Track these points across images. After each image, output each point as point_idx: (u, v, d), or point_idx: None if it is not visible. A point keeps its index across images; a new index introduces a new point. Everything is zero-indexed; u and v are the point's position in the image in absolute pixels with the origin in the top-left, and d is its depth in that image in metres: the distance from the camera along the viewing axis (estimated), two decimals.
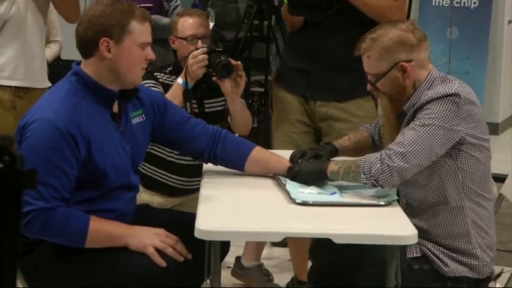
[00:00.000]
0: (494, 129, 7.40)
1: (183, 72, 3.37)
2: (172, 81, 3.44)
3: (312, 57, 3.47)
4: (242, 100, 3.48)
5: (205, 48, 3.38)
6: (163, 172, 3.56)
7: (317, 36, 3.44)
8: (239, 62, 3.34)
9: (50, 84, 3.56)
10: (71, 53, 3.13)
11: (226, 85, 3.32)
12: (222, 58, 3.29)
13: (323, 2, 3.36)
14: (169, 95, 3.30)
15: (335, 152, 2.97)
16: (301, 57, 3.51)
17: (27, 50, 3.37)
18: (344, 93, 3.45)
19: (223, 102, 3.54)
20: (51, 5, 3.46)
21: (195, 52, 3.36)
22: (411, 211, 2.77)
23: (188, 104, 3.44)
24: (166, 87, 3.40)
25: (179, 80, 3.36)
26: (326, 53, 3.43)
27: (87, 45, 2.61)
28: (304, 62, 3.50)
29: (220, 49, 3.39)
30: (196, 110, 3.49)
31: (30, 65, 3.39)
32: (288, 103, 3.57)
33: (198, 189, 2.84)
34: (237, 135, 3.28)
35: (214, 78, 3.33)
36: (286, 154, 2.94)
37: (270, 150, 3.00)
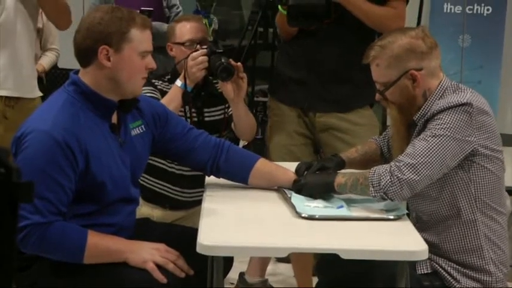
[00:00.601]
0: (508, 140, 7.28)
1: (182, 74, 3.31)
2: (170, 89, 3.38)
3: (309, 67, 3.44)
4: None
5: (205, 50, 3.32)
6: (164, 183, 3.51)
7: (314, 45, 3.41)
8: (239, 63, 3.28)
9: (40, 94, 3.53)
10: (69, 61, 3.08)
11: (228, 89, 3.27)
12: (223, 60, 3.24)
13: (323, 14, 3.30)
14: (167, 98, 3.27)
15: (342, 164, 2.91)
16: (298, 66, 3.47)
17: (16, 59, 3.34)
18: (343, 104, 3.43)
19: (223, 111, 3.49)
20: None
21: (194, 54, 3.31)
22: (421, 225, 2.73)
23: (187, 109, 3.38)
24: (164, 95, 3.36)
25: (178, 83, 3.31)
26: (323, 62, 3.40)
27: (85, 54, 2.57)
28: (301, 71, 3.46)
29: (221, 50, 3.32)
30: (196, 119, 3.43)
31: (19, 74, 3.35)
32: (285, 115, 3.53)
33: (200, 202, 2.81)
34: (241, 146, 3.22)
35: (217, 85, 3.27)
36: (290, 166, 2.88)
37: (275, 163, 2.94)
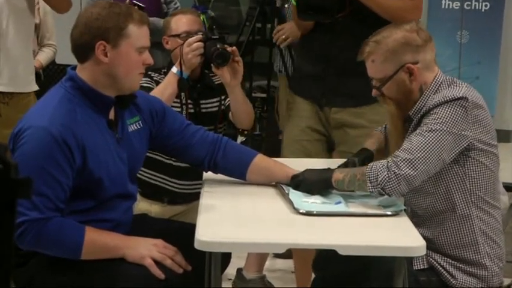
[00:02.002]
0: (506, 136, 7.30)
1: (178, 61, 3.30)
2: None
3: (326, 61, 3.40)
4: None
5: (200, 36, 3.31)
6: (162, 176, 3.51)
7: (330, 39, 3.37)
8: (234, 48, 3.27)
9: (37, 88, 3.52)
10: (66, 57, 3.07)
11: (224, 74, 3.25)
12: (218, 46, 3.23)
13: (333, 7, 3.28)
14: (162, 85, 3.27)
15: (372, 156, 2.91)
16: (314, 61, 3.44)
17: (10, 54, 3.32)
18: (360, 98, 3.36)
19: (219, 103, 3.48)
20: (45, 8, 3.42)
21: (190, 40, 3.30)
22: (416, 220, 2.72)
23: (183, 96, 3.37)
24: None
25: (174, 69, 3.31)
26: (339, 56, 3.36)
27: (83, 49, 2.56)
28: (318, 66, 3.43)
29: (216, 36, 3.31)
30: (192, 111, 3.43)
31: (14, 69, 3.34)
32: (300, 109, 3.51)
33: (197, 195, 2.80)
34: (239, 142, 3.21)
35: (213, 69, 3.25)
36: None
37: (273, 158, 2.93)
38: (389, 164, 2.55)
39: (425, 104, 2.67)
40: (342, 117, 3.41)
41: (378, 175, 2.55)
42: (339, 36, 3.34)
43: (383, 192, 2.56)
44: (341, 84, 3.38)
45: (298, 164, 2.85)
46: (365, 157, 2.88)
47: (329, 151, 3.49)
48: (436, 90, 2.68)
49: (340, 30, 3.33)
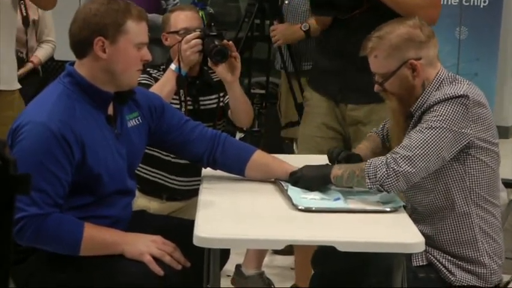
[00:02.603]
0: (504, 133, 7.30)
1: (176, 58, 3.30)
2: None
3: (343, 57, 3.38)
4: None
5: (198, 33, 3.31)
6: (160, 172, 3.50)
7: (345, 35, 3.36)
8: (231, 42, 3.26)
9: (19, 86, 3.51)
10: (65, 53, 3.06)
11: (222, 70, 3.24)
12: (216, 43, 3.22)
13: (346, 2, 3.26)
14: (161, 81, 3.27)
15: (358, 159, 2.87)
16: (332, 57, 3.44)
17: None
18: (374, 95, 3.34)
19: (218, 100, 3.48)
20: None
21: (188, 37, 3.30)
22: (416, 216, 2.72)
23: (182, 93, 3.37)
24: None
25: (173, 66, 3.30)
26: (354, 53, 3.34)
27: (81, 45, 2.56)
28: (334, 62, 3.42)
29: (215, 33, 3.31)
30: (191, 107, 3.42)
31: None
32: (316, 106, 3.51)
33: (196, 191, 2.79)
34: (237, 138, 3.21)
35: (210, 64, 3.25)
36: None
37: (272, 155, 2.92)
38: (388, 161, 2.55)
39: (426, 100, 2.67)
40: (357, 114, 3.41)
41: (377, 171, 2.54)
42: (355, 32, 3.31)
43: (382, 189, 2.55)
44: (356, 80, 3.37)
45: (298, 161, 2.84)
46: (347, 155, 2.85)
47: (346, 148, 3.47)
48: (438, 87, 2.68)
49: (357, 26, 3.30)
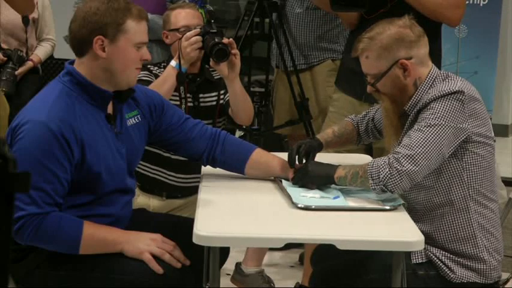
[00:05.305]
0: (504, 131, 7.29)
1: (176, 54, 3.30)
2: None
3: None
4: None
5: (199, 30, 3.31)
6: (160, 169, 3.50)
7: None
8: (231, 39, 3.26)
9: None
10: (65, 51, 3.06)
11: (222, 68, 3.24)
12: (217, 40, 3.22)
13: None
14: (161, 78, 3.26)
15: (320, 147, 2.90)
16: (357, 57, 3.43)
17: None
18: None
19: (217, 97, 3.48)
20: (44, 2, 3.39)
21: (187, 34, 3.31)
22: (414, 215, 2.71)
23: (182, 90, 3.36)
24: None
25: (173, 63, 3.31)
26: None
27: (81, 44, 2.55)
28: (359, 61, 3.41)
29: (215, 30, 3.31)
30: (191, 104, 3.42)
31: None
32: (340, 107, 3.52)
33: (196, 189, 2.79)
34: (237, 136, 3.21)
35: (211, 64, 3.26)
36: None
37: (272, 153, 2.92)
38: (391, 161, 2.55)
39: (420, 98, 2.67)
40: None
41: (380, 172, 2.55)
42: None
43: (386, 189, 2.55)
44: None
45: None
46: (317, 146, 2.86)
47: (368, 149, 3.47)
48: (431, 85, 2.69)
49: None
